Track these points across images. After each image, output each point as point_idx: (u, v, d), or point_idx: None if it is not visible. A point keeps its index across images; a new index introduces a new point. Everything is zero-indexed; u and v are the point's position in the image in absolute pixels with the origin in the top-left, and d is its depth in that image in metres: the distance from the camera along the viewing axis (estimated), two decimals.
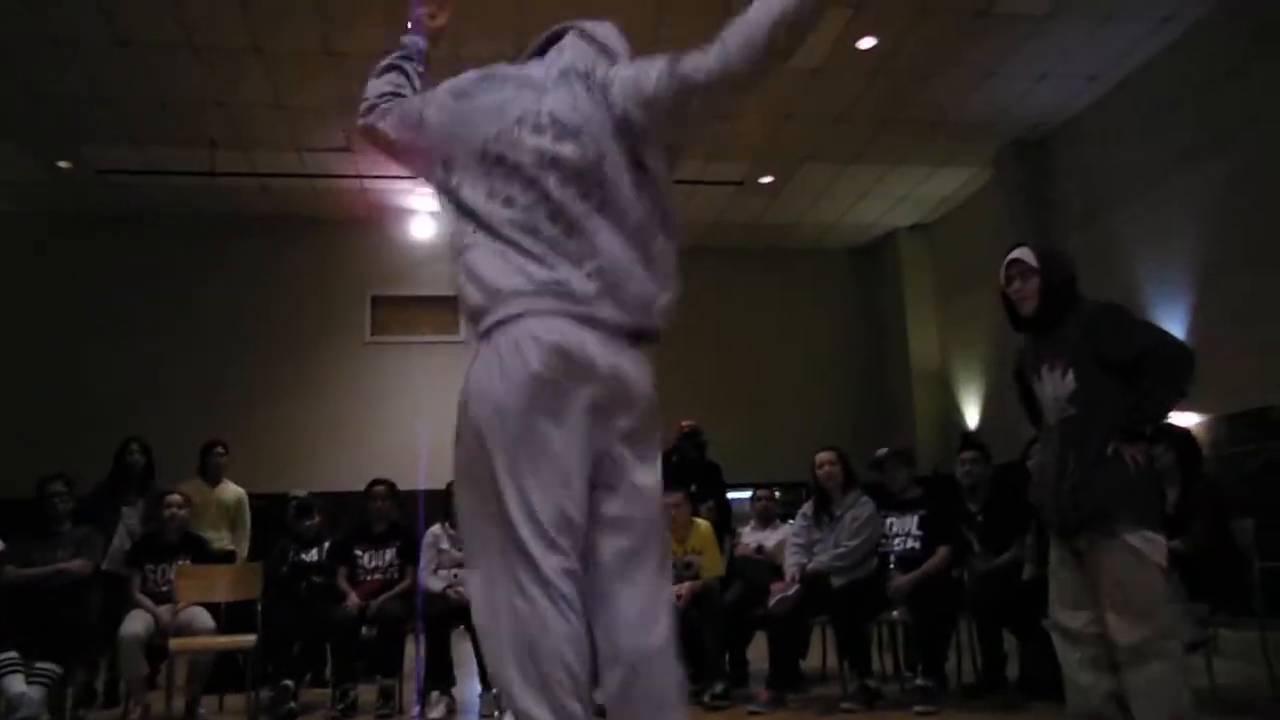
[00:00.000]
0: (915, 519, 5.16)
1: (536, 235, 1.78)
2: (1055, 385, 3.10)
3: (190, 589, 5.25)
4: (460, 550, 5.45)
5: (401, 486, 5.95)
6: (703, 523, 5.57)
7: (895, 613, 5.00)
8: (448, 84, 2.00)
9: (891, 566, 5.10)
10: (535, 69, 1.95)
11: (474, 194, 1.84)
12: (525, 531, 1.69)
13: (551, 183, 1.79)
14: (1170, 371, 2.99)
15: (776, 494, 6.67)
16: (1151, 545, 2.88)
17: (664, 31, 6.89)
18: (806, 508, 5.43)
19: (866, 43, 7.66)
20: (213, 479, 6.55)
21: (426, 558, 5.41)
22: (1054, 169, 9.38)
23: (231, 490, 6.63)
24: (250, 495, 6.75)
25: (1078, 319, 3.11)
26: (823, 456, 5.38)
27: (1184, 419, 7.39)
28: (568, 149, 1.80)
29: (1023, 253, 3.22)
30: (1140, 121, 8.12)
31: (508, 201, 1.81)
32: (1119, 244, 8.40)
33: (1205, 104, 7.34)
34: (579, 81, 1.87)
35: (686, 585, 5.11)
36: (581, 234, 1.78)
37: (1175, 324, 7.70)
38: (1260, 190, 6.78)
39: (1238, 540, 4.43)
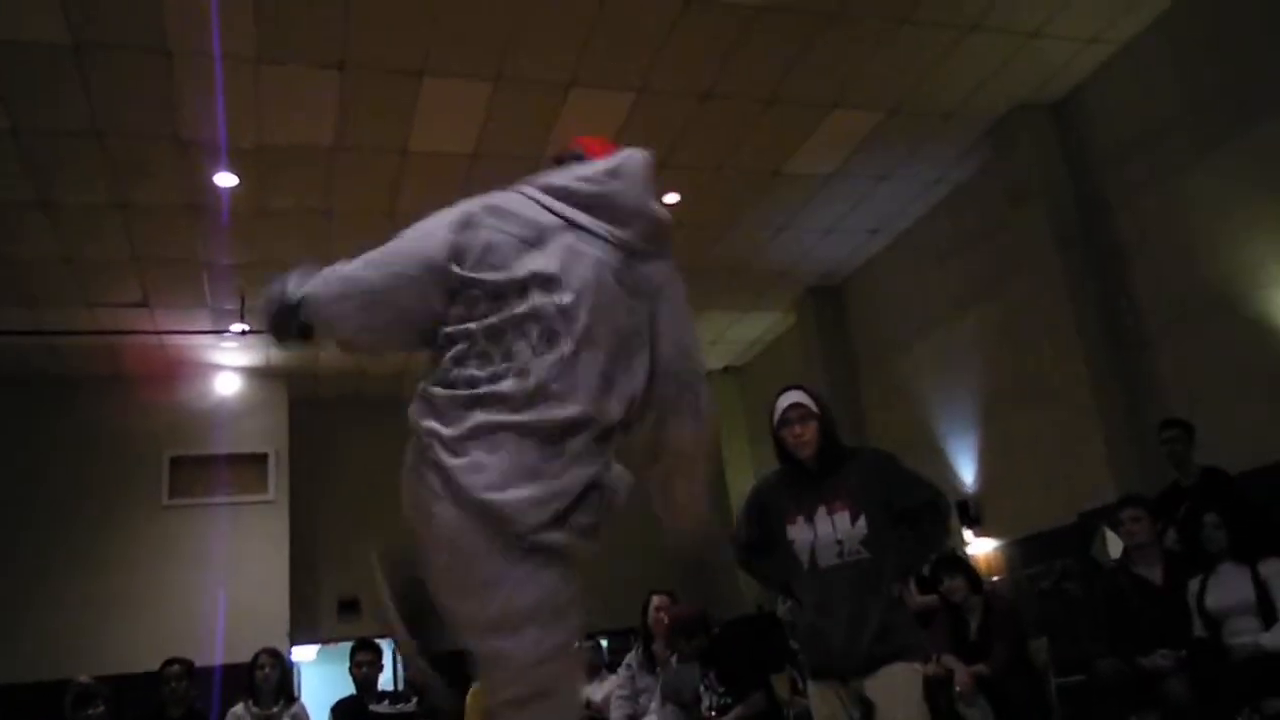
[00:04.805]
0: None
1: None
2: (838, 528, 3.07)
3: None
4: None
5: (200, 663, 5.50)
6: None
7: None
8: None
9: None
10: None
11: None
12: None
13: None
14: (943, 521, 3.28)
15: (603, 643, 6.55)
16: (920, 673, 3.10)
17: None
18: (631, 657, 5.36)
19: (671, 198, 8.10)
20: None
21: None
22: (848, 313, 10.06)
23: None
24: (27, 686, 6.05)
25: (857, 465, 3.20)
26: (660, 600, 5.34)
27: (979, 545, 7.86)
28: None
29: (800, 396, 3.21)
30: (917, 270, 8.88)
31: None
32: (910, 382, 9.03)
33: (972, 255, 8.12)
34: None
35: None
36: None
37: (965, 455, 8.27)
38: (1025, 334, 7.48)
39: (1034, 659, 4.69)
